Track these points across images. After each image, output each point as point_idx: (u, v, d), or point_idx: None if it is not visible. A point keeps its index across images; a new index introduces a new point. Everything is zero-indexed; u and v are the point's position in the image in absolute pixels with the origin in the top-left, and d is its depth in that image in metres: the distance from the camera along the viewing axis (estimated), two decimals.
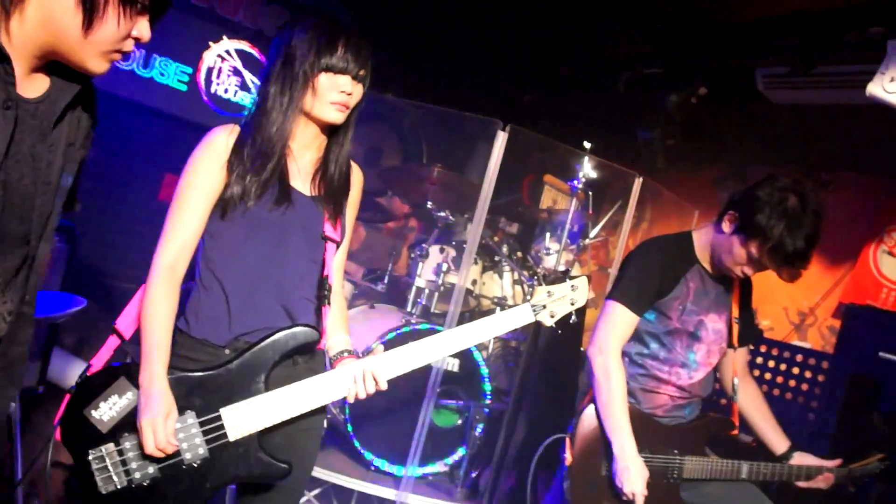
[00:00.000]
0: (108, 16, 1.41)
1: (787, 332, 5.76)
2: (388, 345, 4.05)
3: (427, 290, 4.54)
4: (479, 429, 4.06)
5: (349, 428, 3.89)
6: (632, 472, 2.57)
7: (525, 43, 5.76)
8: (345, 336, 2.26)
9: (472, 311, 4.79)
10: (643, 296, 2.75)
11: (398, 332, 3.98)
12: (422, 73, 6.16)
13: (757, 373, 4.12)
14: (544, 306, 2.26)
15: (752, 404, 3.00)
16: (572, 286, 2.29)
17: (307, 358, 2.17)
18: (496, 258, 4.86)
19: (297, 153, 2.16)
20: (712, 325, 2.84)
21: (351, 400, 2.11)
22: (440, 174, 4.55)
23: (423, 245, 4.64)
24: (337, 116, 2.11)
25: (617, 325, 2.74)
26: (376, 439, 3.95)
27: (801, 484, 2.87)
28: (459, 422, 4.15)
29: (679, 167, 6.20)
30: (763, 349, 4.19)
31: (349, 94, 2.09)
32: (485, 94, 6.44)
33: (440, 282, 4.49)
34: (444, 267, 4.50)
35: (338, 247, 2.26)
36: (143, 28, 1.48)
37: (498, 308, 4.62)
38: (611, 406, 2.66)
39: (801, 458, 2.89)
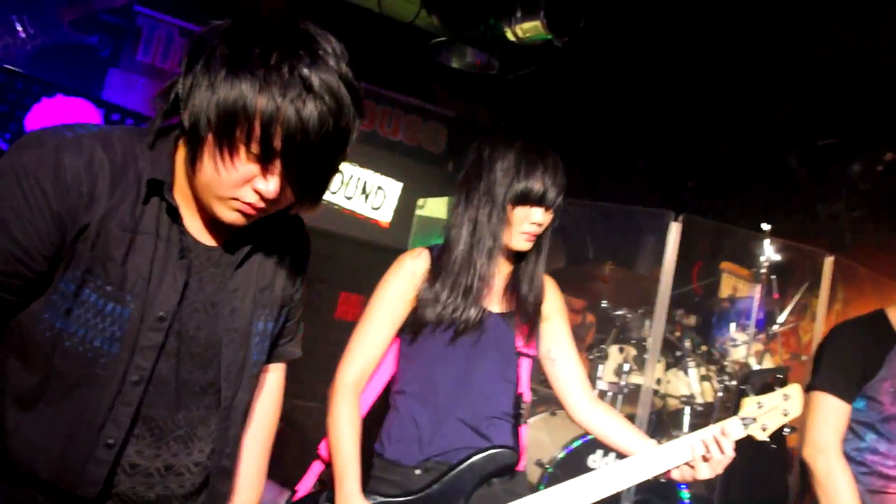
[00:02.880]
0: (205, 156, 1.29)
1: None
2: (575, 453, 3.92)
3: (610, 393, 4.35)
4: None
5: None
6: None
7: (684, 126, 5.62)
8: (647, 440, 2.15)
9: (659, 412, 4.53)
10: (849, 381, 2.52)
11: (584, 439, 3.81)
12: (581, 170, 6.13)
13: None
14: (754, 419, 2.09)
15: None
16: (784, 395, 2.13)
17: (506, 480, 2.09)
18: (678, 353, 4.61)
19: None
20: None
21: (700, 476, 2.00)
22: (613, 271, 4.44)
23: (602, 346, 4.48)
24: (525, 246, 2.10)
25: (829, 417, 2.50)
26: None
27: None
28: None
29: (871, 240, 5.74)
30: None
31: (540, 225, 2.07)
32: (646, 184, 6.30)
33: (623, 383, 4.29)
34: (626, 367, 4.31)
35: (533, 361, 2.21)
36: (268, 183, 1.30)
37: (687, 408, 4.35)
38: None
39: None
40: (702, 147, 5.89)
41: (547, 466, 3.88)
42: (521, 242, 2.08)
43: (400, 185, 5.90)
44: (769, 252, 4.32)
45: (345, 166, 5.70)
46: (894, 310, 2.66)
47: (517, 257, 2.17)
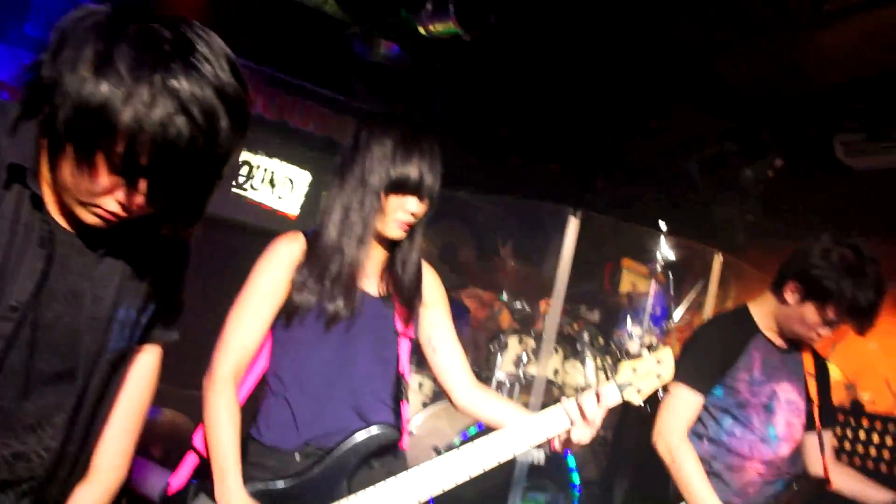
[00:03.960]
0: (65, 160, 1.18)
1: (891, 405, 5.44)
2: (470, 439, 3.98)
3: (508, 383, 4.43)
4: None
5: None
6: None
7: (594, 128, 5.78)
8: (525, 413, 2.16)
9: (556, 402, 4.63)
10: (704, 373, 2.69)
11: (480, 426, 3.88)
12: (491, 166, 6.23)
13: (861, 449, 3.85)
14: (630, 384, 2.13)
15: (849, 480, 2.86)
16: (657, 359, 2.18)
17: (388, 459, 2.09)
18: (577, 346, 4.73)
19: None
20: (785, 396, 2.75)
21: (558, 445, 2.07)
22: (515, 264, 4.52)
23: (502, 337, 4.56)
24: (399, 234, 2.07)
25: (677, 406, 2.67)
26: None
27: None
28: None
29: (762, 243, 6.02)
30: (865, 424, 3.89)
31: (414, 215, 2.05)
32: (557, 184, 6.44)
33: (521, 373, 4.38)
34: (525, 358, 4.40)
35: (412, 342, 2.20)
36: (132, 199, 1.22)
37: None
38: (690, 485, 2.55)
39: None
40: (613, 149, 6.06)
41: (443, 452, 3.92)
42: (394, 230, 2.05)
43: (309, 176, 5.85)
44: (665, 250, 4.47)
45: (252, 156, 5.62)
46: (756, 304, 2.83)
47: (391, 243, 2.14)
